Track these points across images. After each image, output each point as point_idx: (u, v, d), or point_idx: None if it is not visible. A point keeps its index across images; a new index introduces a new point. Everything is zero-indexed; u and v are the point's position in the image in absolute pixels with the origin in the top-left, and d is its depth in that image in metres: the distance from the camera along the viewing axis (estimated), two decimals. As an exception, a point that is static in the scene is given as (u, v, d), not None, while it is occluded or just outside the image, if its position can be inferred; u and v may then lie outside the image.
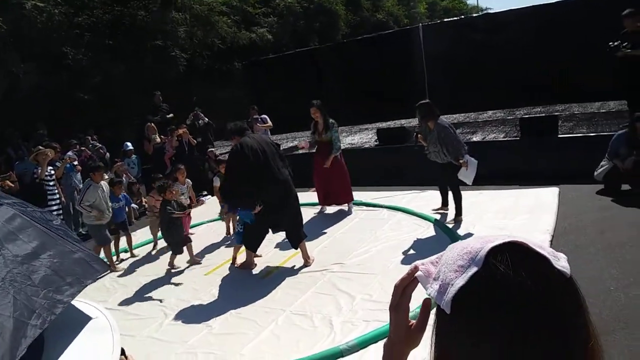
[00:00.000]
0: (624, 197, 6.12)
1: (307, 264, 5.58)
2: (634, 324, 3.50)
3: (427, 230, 6.06)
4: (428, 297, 0.72)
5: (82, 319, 0.68)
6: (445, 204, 6.60)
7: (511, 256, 0.64)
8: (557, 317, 0.61)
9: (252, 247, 5.75)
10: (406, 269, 0.78)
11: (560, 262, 0.65)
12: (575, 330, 0.62)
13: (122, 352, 0.85)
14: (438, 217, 6.48)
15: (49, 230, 0.64)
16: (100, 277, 6.55)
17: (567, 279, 0.64)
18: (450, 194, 6.32)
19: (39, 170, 7.46)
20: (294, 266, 5.63)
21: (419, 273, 0.75)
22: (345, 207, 7.43)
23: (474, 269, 0.64)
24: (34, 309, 0.54)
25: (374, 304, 4.39)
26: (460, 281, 0.65)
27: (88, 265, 0.66)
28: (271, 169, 5.27)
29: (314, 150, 7.36)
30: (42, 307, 0.56)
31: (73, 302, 0.73)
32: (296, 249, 5.74)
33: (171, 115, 11.44)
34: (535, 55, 10.50)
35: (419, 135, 6.32)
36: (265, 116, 10.33)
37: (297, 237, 5.64)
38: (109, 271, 6.93)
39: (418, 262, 0.77)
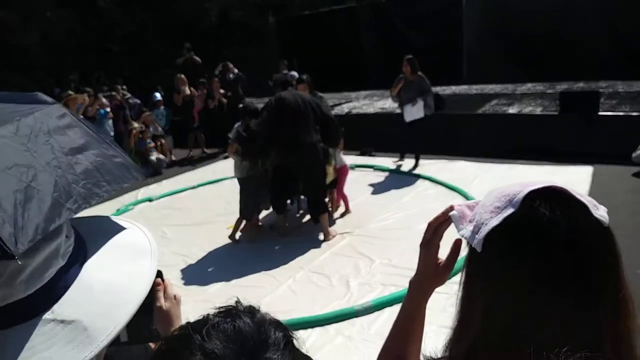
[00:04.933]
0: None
1: (326, 239, 5.22)
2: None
3: (453, 200, 5.97)
4: (460, 237, 0.72)
5: (125, 236, 0.77)
6: (403, 157, 7.87)
7: (549, 200, 0.63)
8: (590, 263, 0.60)
9: (279, 210, 5.58)
10: None
11: (600, 211, 0.63)
12: (607, 278, 0.61)
13: (160, 274, 0.92)
14: (394, 167, 7.67)
15: (94, 134, 0.75)
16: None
17: (605, 227, 0.63)
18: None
19: None
20: (315, 228, 5.64)
21: (453, 212, 0.75)
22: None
23: (510, 210, 0.63)
24: (71, 194, 0.65)
25: (392, 269, 4.39)
26: (494, 221, 0.64)
27: (127, 170, 0.78)
28: (298, 131, 4.91)
29: None
30: (79, 194, 0.66)
31: (117, 220, 0.83)
32: (316, 223, 5.37)
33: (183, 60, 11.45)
34: (585, 27, 10.02)
35: (401, 79, 7.34)
36: (295, 73, 10.15)
37: (315, 210, 5.32)
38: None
39: (454, 203, 0.77)
